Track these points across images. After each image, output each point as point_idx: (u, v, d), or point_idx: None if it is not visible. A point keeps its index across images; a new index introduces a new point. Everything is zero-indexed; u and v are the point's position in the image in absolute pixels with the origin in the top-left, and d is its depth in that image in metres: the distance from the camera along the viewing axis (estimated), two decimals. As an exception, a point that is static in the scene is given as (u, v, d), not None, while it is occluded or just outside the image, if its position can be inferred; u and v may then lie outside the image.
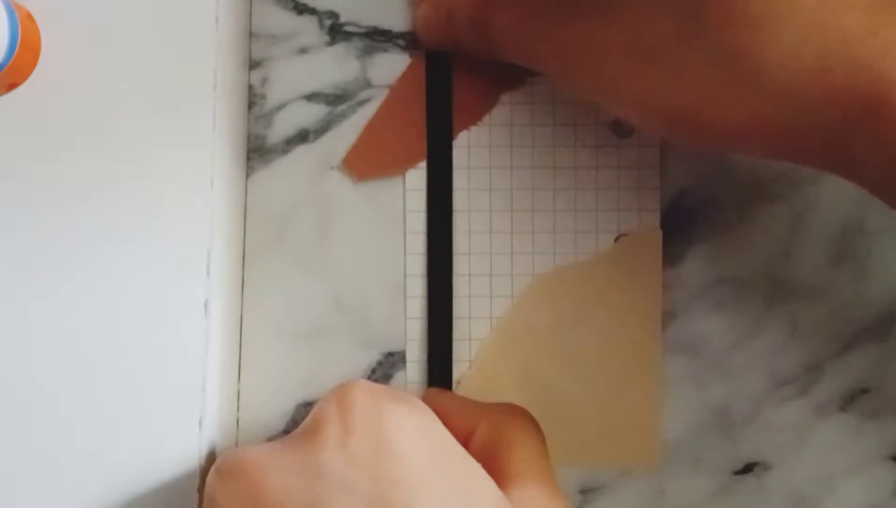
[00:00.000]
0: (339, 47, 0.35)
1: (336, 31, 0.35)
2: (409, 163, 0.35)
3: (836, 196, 0.35)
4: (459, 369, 0.35)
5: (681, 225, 0.35)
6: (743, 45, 0.25)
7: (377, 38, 0.35)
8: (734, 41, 0.25)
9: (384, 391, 0.27)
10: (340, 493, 0.24)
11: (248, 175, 0.35)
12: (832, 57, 0.24)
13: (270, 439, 0.34)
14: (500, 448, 0.28)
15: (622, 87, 0.28)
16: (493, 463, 0.27)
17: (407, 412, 0.26)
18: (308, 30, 0.35)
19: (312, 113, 0.35)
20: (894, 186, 0.25)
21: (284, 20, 0.35)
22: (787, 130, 0.25)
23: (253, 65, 0.35)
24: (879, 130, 0.24)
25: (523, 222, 0.35)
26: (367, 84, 0.35)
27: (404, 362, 0.35)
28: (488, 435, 0.29)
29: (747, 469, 0.35)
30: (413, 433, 0.26)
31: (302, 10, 0.35)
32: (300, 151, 0.35)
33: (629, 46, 0.27)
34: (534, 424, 0.30)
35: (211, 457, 0.31)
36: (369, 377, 0.35)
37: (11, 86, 0.30)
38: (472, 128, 0.35)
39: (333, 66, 0.35)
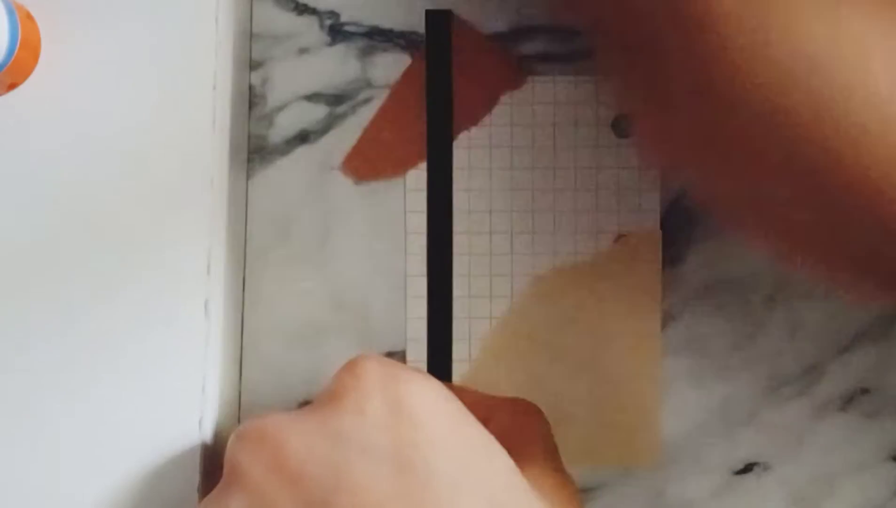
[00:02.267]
0: (340, 48, 0.35)
1: (336, 32, 0.35)
2: (409, 163, 0.35)
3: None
4: (459, 369, 0.35)
5: (680, 226, 0.35)
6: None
7: (377, 38, 0.35)
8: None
9: (395, 362, 0.27)
10: (362, 456, 0.25)
11: (249, 176, 0.35)
12: None
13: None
14: (516, 435, 0.28)
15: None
16: (508, 448, 0.28)
17: (421, 380, 0.27)
18: (308, 30, 0.35)
19: (313, 113, 0.35)
20: None
21: (285, 20, 0.35)
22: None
23: (253, 65, 0.35)
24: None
25: (523, 223, 0.35)
26: (368, 84, 0.35)
27: (404, 362, 0.35)
28: (505, 424, 0.29)
29: (747, 468, 0.35)
30: (428, 399, 0.26)
31: (302, 10, 0.35)
32: (301, 152, 0.35)
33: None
34: (545, 418, 0.30)
35: (211, 457, 0.31)
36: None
37: (11, 86, 0.30)
38: (473, 128, 0.35)
39: (334, 66, 0.35)
